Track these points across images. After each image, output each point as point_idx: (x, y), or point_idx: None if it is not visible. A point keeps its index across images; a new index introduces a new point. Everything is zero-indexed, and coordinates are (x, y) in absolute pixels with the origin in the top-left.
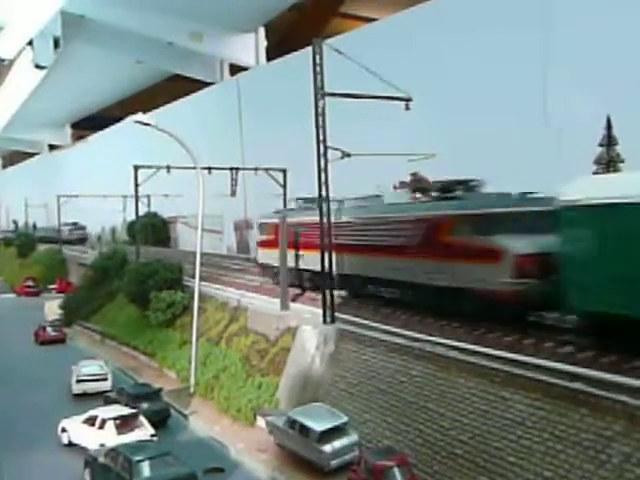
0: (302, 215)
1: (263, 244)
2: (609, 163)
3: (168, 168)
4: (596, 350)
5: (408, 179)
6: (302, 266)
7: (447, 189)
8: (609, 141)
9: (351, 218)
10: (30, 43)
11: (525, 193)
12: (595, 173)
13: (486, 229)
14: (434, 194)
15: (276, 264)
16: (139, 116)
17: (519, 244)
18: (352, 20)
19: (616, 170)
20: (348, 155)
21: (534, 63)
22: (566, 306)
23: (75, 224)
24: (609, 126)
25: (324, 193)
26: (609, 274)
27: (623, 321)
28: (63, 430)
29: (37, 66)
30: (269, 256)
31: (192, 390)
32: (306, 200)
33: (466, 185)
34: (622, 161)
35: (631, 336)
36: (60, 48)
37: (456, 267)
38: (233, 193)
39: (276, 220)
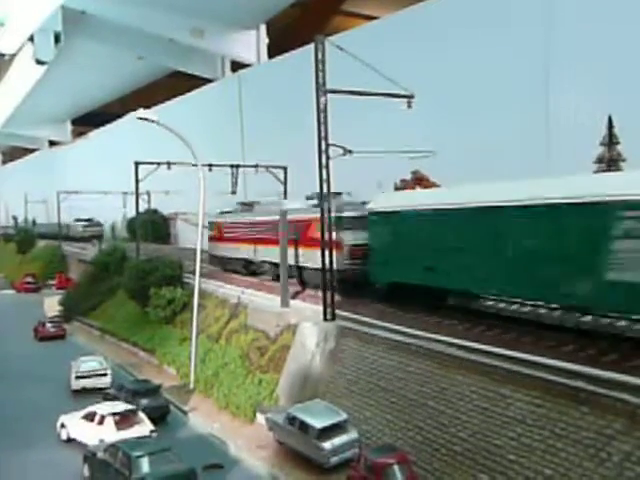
0: (238, 216)
1: (211, 238)
2: (610, 162)
3: (169, 164)
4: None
5: (409, 177)
6: (240, 256)
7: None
8: (610, 140)
9: (260, 218)
10: (31, 38)
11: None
12: (596, 172)
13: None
14: (313, 202)
15: (220, 254)
16: (141, 112)
17: (351, 237)
18: (354, 18)
19: (618, 169)
20: (350, 152)
21: (536, 62)
22: (373, 279)
23: (90, 220)
24: (610, 125)
25: (325, 190)
26: (394, 257)
27: (405, 286)
28: (62, 426)
29: (38, 61)
30: (215, 248)
31: (192, 386)
32: (243, 204)
33: (335, 195)
34: (623, 160)
35: (410, 296)
36: (61, 43)
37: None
38: (234, 192)
39: (219, 219)
